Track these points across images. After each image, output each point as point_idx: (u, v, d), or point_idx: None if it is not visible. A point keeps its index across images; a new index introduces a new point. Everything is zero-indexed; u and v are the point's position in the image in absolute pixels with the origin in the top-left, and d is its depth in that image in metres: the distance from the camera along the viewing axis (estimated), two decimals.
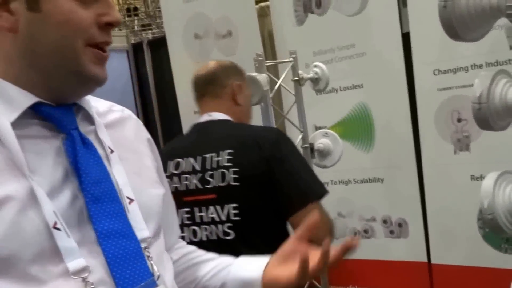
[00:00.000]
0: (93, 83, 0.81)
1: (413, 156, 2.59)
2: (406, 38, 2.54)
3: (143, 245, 0.82)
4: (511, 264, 2.32)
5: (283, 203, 1.42)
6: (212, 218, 1.43)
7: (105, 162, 0.83)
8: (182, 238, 1.32)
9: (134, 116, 1.01)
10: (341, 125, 2.81)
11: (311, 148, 2.18)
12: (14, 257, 0.72)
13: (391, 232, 2.75)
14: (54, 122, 0.81)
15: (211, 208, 1.43)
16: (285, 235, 1.43)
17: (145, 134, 1.00)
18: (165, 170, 1.32)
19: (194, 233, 1.48)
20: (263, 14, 3.15)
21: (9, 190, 0.73)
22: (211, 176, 1.44)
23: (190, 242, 1.33)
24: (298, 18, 2.89)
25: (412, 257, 2.67)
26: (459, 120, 2.44)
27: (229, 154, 1.45)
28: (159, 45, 3.85)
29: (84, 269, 0.75)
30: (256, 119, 2.19)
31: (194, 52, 3.32)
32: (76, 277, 0.74)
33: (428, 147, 2.54)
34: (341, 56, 2.77)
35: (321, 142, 2.20)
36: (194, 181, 1.46)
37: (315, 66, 2.17)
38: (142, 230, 0.83)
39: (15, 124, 0.76)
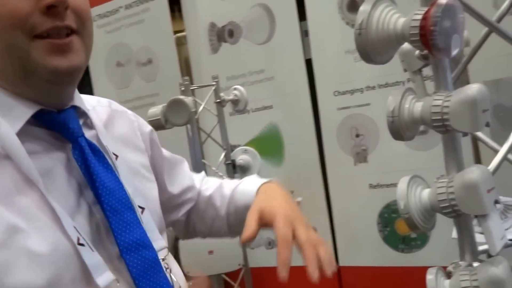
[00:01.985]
0: (58, 76, 0.66)
1: (318, 170, 2.66)
2: (309, 63, 2.64)
3: (160, 256, 0.73)
4: (407, 262, 2.46)
5: None
6: None
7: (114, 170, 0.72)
8: None
9: (122, 108, 0.88)
10: (253, 143, 2.83)
11: (233, 164, 2.17)
12: (53, 285, 0.62)
13: None
14: (60, 130, 0.69)
15: None
16: None
17: (139, 126, 0.87)
18: None
19: None
20: (180, 43, 3.14)
21: (32, 210, 0.62)
22: None
23: None
24: (213, 46, 2.90)
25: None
26: (357, 136, 2.55)
27: None
28: None
29: (113, 283, 0.66)
30: (183, 138, 2.16)
31: (116, 79, 3.24)
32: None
33: (332, 160, 2.63)
34: (252, 80, 2.80)
35: (241, 158, 2.21)
36: None
37: (235, 89, 2.18)
38: (158, 240, 0.74)
39: (19, 137, 0.64)
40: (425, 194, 1.04)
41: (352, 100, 2.55)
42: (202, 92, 2.43)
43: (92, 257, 0.65)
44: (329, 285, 2.68)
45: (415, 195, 1.04)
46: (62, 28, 0.65)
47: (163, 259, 0.73)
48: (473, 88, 0.97)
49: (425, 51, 1.46)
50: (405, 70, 1.63)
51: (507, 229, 1.27)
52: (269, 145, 2.82)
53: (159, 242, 0.74)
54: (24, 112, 0.66)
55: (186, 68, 3.14)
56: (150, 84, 3.08)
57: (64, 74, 0.67)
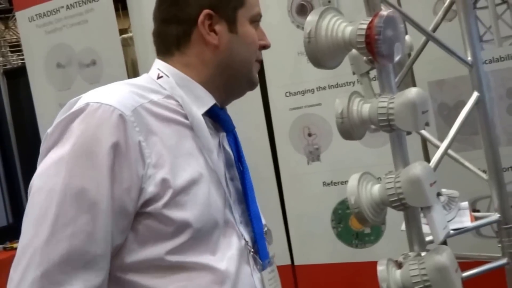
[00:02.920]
0: (254, 87, 1.02)
1: (272, 169, 2.77)
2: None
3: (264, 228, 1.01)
4: (362, 257, 2.60)
5: None
6: None
7: None
8: None
9: None
10: None
11: None
12: (207, 226, 0.86)
13: None
14: (221, 122, 0.98)
15: None
16: None
17: None
18: None
19: None
20: (126, 45, 3.18)
21: (203, 170, 0.88)
22: None
23: None
24: None
25: (278, 262, 2.75)
26: (309, 135, 2.69)
27: None
28: (17, 75, 3.69)
29: (248, 237, 0.93)
30: None
31: (57, 81, 3.23)
32: (243, 242, 0.92)
33: (285, 160, 2.74)
34: None
35: None
36: None
37: None
38: (262, 217, 1.02)
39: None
40: (375, 189, 1.17)
41: (304, 100, 2.68)
42: None
43: (236, 213, 0.94)
44: (285, 285, 2.79)
45: (366, 191, 1.17)
46: None
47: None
48: (413, 92, 1.11)
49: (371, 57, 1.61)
50: (354, 73, 1.78)
51: (450, 220, 1.43)
52: None
53: (263, 219, 1.03)
54: (207, 103, 0.95)
55: (133, 70, 3.18)
56: (94, 86, 3.02)
57: (256, 86, 1.02)
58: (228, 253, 0.90)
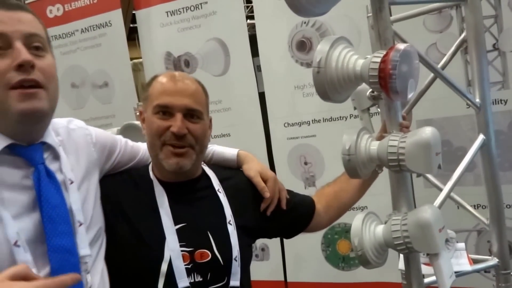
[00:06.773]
0: (26, 117, 0.81)
1: None
2: (262, 96, 2.57)
3: (83, 260, 0.86)
4: (347, 279, 2.44)
5: None
6: None
7: (64, 191, 0.87)
8: None
9: (80, 124, 1.03)
10: None
11: None
12: None
13: (256, 255, 2.70)
14: (25, 158, 0.84)
15: None
16: None
17: (90, 138, 1.03)
18: None
19: None
20: (136, 69, 3.01)
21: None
22: None
23: None
24: None
25: (273, 277, 2.64)
26: (305, 163, 2.51)
27: None
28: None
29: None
30: None
31: (71, 100, 3.03)
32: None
33: (283, 184, 2.56)
34: (211, 109, 2.71)
35: None
36: None
37: None
38: (84, 249, 0.87)
39: None
40: (379, 230, 0.97)
41: (300, 131, 2.51)
42: None
43: (23, 256, 0.78)
44: None
45: (369, 232, 0.97)
46: (29, 81, 0.80)
47: (85, 262, 0.87)
48: (427, 131, 0.91)
49: (376, 92, 1.42)
50: (355, 108, 1.59)
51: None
52: None
53: (85, 250, 0.88)
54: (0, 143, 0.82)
55: (142, 93, 3.01)
56: (106, 106, 2.90)
57: (29, 115, 0.81)
58: None
